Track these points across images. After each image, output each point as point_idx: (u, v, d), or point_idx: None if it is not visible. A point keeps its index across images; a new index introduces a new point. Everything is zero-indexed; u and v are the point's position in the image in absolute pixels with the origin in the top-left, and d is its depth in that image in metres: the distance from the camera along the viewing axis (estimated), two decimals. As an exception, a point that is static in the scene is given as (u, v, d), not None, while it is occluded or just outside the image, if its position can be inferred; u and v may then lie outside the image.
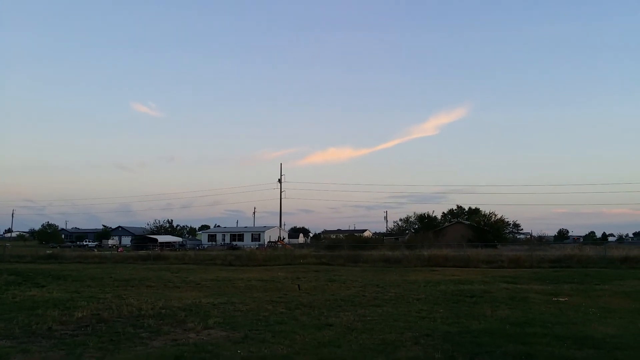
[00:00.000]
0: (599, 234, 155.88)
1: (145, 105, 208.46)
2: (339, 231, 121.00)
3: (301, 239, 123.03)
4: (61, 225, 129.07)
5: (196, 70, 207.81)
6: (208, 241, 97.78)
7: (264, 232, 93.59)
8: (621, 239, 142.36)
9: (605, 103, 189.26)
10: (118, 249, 77.28)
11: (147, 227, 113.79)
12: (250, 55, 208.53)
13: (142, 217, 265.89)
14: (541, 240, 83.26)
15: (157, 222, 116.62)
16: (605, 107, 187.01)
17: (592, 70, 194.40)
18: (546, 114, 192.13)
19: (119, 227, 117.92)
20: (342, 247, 51.10)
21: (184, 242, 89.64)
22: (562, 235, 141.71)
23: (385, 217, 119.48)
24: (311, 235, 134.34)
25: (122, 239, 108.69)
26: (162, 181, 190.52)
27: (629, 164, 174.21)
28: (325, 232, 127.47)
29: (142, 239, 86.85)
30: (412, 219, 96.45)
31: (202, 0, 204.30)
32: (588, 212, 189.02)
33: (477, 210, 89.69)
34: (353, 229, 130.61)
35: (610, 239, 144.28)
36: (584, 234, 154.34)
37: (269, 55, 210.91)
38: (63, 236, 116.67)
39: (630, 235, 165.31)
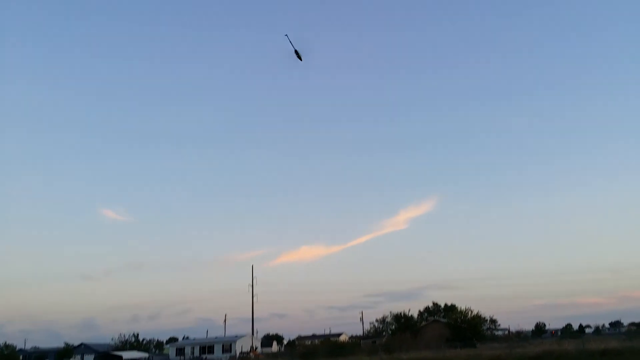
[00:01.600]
0: (575, 325, 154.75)
1: (114, 210, 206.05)
2: (314, 336, 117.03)
3: (275, 347, 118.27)
4: (20, 345, 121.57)
5: (166, 172, 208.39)
6: (176, 356, 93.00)
7: (235, 341, 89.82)
8: (598, 331, 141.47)
9: (574, 194, 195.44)
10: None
11: (112, 342, 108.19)
12: (217, 156, 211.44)
13: (107, 331, 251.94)
14: (519, 336, 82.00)
15: (123, 336, 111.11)
16: (575, 198, 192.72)
17: (561, 160, 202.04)
18: (512, 206, 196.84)
19: (82, 344, 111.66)
20: (318, 354, 49.35)
21: (151, 358, 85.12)
22: (540, 329, 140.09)
23: (361, 319, 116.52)
24: (285, 342, 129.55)
25: (85, 357, 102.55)
26: (129, 290, 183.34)
27: (603, 254, 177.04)
28: (300, 338, 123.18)
29: (106, 356, 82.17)
30: (388, 320, 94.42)
31: (171, 102, 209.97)
32: (564, 303, 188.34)
33: (453, 307, 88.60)
34: (329, 332, 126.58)
35: (587, 330, 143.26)
36: (561, 327, 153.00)
37: (235, 157, 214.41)
38: (21, 357, 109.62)
39: (607, 325, 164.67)
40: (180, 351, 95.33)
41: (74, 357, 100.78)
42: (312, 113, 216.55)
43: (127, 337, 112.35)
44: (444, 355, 37.20)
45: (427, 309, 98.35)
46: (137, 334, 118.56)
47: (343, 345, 68.71)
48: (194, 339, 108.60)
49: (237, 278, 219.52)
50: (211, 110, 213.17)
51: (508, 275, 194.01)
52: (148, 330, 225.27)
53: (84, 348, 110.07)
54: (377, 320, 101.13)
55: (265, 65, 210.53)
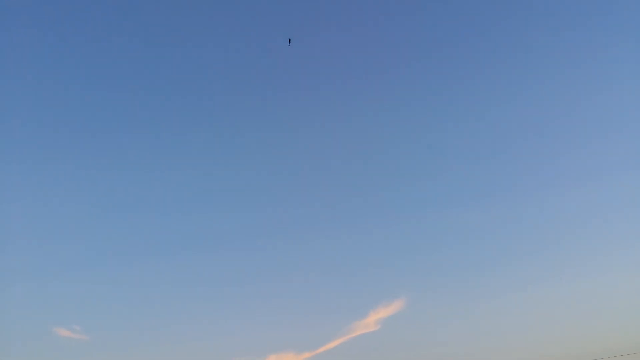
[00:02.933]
0: None
1: (69, 329, 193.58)
2: None
3: None
4: None
5: (120, 287, 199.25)
6: None
7: None
8: None
9: (546, 289, 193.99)
10: None
11: None
12: (174, 266, 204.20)
13: None
14: None
15: None
16: (548, 293, 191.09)
17: (530, 257, 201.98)
18: (485, 301, 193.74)
19: None
20: None
21: None
22: None
23: None
24: None
25: None
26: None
27: (570, 340, 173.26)
28: None
29: None
30: None
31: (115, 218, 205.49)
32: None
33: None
34: None
35: None
36: None
37: (195, 264, 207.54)
38: None
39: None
40: None
41: None
42: (274, 225, 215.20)
43: None
44: None
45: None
46: None
47: None
48: None
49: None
50: (161, 221, 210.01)
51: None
52: None
53: None
54: None
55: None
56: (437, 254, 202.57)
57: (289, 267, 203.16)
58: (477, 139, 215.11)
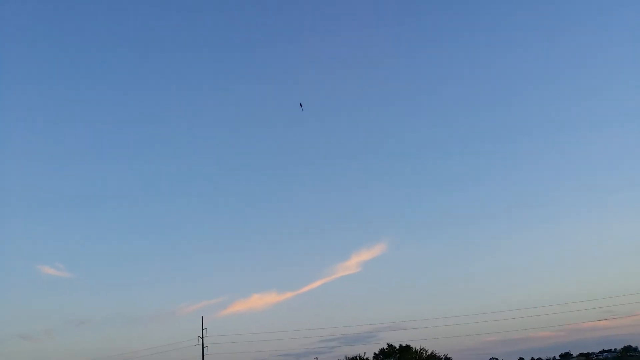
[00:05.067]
0: (527, 359, 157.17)
1: (53, 267, 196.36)
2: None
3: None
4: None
5: (105, 227, 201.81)
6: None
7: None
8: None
9: (522, 233, 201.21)
10: None
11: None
12: (158, 202, 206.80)
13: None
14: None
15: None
16: (523, 236, 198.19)
17: (508, 201, 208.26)
18: (461, 246, 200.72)
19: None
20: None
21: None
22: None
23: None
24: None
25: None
26: (71, 348, 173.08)
27: (546, 288, 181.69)
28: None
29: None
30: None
31: (103, 161, 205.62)
32: (515, 338, 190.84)
33: (408, 348, 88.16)
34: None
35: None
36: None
37: (181, 206, 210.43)
38: None
39: (557, 357, 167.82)
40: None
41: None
42: (258, 160, 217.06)
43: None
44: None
45: (382, 350, 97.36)
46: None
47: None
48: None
49: (186, 330, 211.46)
50: (149, 163, 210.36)
51: (459, 313, 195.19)
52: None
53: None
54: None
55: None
56: (420, 199, 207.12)
57: (273, 209, 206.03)
58: (467, 85, 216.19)
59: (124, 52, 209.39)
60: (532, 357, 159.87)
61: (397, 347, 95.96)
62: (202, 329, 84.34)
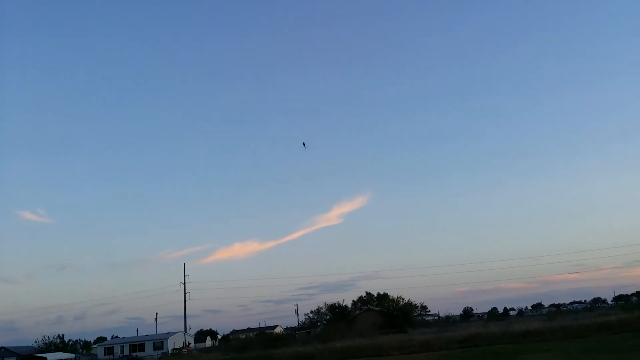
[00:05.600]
0: (500, 309, 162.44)
1: (33, 212, 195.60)
2: (248, 330, 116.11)
3: (208, 342, 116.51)
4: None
5: (87, 173, 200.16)
6: (105, 355, 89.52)
7: (167, 339, 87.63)
8: (521, 313, 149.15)
9: (496, 187, 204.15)
10: (0, 374, 68.63)
11: (35, 345, 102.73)
12: (142, 153, 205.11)
13: (30, 334, 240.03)
14: (448, 320, 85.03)
15: (47, 338, 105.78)
16: (496, 191, 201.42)
17: (482, 157, 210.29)
18: (440, 199, 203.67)
19: (2, 348, 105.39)
20: (252, 347, 48.95)
21: (78, 359, 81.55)
22: (467, 313, 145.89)
23: (296, 311, 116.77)
24: (219, 337, 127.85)
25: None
26: (52, 292, 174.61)
27: (519, 241, 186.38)
28: (234, 332, 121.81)
29: (29, 358, 77.95)
30: (323, 310, 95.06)
31: (88, 106, 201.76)
32: (488, 289, 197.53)
33: (385, 296, 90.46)
34: (264, 326, 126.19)
35: (511, 313, 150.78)
36: (487, 311, 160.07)
37: (163, 152, 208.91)
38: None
39: (529, 308, 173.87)
40: (109, 350, 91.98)
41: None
42: (241, 110, 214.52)
43: (51, 338, 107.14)
44: (377, 342, 37.82)
45: (360, 298, 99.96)
46: (63, 336, 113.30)
47: (277, 337, 68.70)
48: (123, 338, 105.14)
49: (168, 277, 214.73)
50: (135, 109, 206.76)
51: (436, 264, 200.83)
52: (74, 332, 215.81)
53: (4, 352, 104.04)
54: (311, 312, 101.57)
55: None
56: (402, 152, 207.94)
57: (256, 160, 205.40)
58: (451, 37, 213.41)
59: None
60: (505, 307, 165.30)
61: (375, 295, 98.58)
62: (184, 276, 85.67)
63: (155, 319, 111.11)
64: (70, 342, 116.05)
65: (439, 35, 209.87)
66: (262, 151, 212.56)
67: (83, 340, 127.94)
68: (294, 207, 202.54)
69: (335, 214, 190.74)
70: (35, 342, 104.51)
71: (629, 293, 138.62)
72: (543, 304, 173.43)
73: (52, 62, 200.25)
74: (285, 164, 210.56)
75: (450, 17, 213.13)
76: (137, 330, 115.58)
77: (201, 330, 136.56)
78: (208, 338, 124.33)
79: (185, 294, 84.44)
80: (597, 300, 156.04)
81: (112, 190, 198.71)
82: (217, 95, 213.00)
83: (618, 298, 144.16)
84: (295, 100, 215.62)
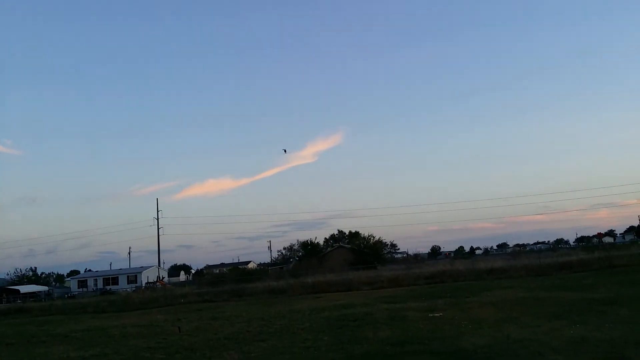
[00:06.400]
0: (467, 248, 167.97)
1: (0, 143, 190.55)
2: (222, 265, 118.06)
3: (182, 277, 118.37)
4: None
5: (57, 103, 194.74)
6: (78, 288, 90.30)
7: (140, 273, 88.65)
8: (487, 252, 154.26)
9: (468, 129, 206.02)
10: (-29, 304, 68.78)
11: (7, 277, 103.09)
12: (114, 82, 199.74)
13: (1, 267, 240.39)
14: (417, 258, 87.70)
15: (19, 271, 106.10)
16: (469, 133, 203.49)
17: (455, 98, 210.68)
18: (413, 138, 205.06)
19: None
20: (226, 281, 49.89)
21: (51, 291, 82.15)
22: (435, 252, 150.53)
23: (269, 247, 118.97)
24: (193, 272, 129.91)
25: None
26: (23, 225, 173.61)
27: (488, 183, 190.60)
28: (208, 267, 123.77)
29: (1, 291, 78.26)
30: (295, 247, 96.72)
31: (60, 29, 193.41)
32: (456, 229, 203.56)
33: (357, 234, 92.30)
34: (237, 261, 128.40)
35: (477, 252, 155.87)
36: (454, 249, 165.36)
37: (135, 84, 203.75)
38: None
39: (495, 247, 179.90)
40: (82, 283, 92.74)
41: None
42: (218, 43, 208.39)
43: (24, 271, 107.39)
44: (347, 278, 38.95)
45: (332, 236, 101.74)
46: (35, 268, 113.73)
47: (251, 272, 70.12)
48: (96, 271, 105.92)
49: (141, 212, 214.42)
50: (103, 30, 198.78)
51: (407, 203, 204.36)
52: (47, 265, 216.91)
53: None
54: (284, 249, 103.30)
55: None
56: (378, 89, 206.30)
57: (231, 94, 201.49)
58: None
59: None
60: (472, 246, 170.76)
61: (347, 233, 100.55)
62: (157, 211, 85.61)
63: (129, 253, 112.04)
64: (43, 275, 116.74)
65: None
66: (236, 87, 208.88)
67: (56, 273, 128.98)
68: (268, 144, 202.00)
69: (309, 152, 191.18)
70: (7, 274, 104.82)
71: (591, 235, 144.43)
72: (508, 244, 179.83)
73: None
74: (260, 101, 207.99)
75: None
76: (110, 264, 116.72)
77: (175, 265, 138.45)
78: (182, 273, 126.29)
79: (158, 229, 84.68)
80: (559, 242, 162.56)
81: (83, 122, 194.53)
82: (191, 28, 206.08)
83: (580, 240, 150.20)
84: (271, 34, 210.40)
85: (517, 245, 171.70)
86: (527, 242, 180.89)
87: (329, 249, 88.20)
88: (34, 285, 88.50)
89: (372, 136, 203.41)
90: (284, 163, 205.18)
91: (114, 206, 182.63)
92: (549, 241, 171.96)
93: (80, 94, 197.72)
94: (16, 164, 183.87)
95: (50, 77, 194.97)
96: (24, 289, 79.74)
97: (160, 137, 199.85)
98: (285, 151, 44.88)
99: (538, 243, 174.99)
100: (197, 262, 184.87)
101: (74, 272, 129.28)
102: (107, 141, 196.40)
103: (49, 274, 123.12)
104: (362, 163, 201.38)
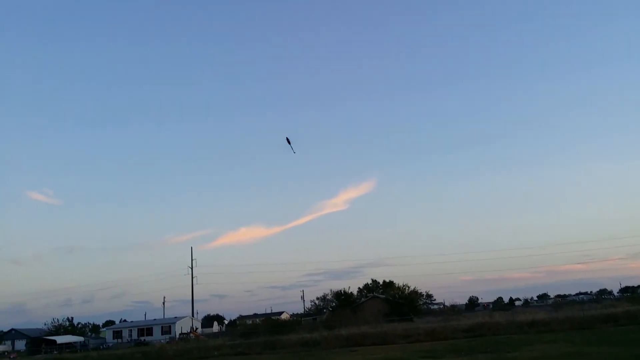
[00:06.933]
0: (506, 299, 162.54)
1: (41, 193, 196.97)
2: (255, 315, 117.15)
3: (216, 327, 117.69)
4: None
5: (95, 154, 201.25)
6: (113, 338, 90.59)
7: (174, 323, 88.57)
8: (527, 303, 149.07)
9: (500, 175, 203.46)
10: (11, 355, 69.75)
11: (45, 327, 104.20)
12: (149, 135, 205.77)
13: (39, 317, 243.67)
14: (454, 309, 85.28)
15: (56, 321, 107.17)
16: (502, 179, 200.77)
17: (487, 144, 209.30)
18: (446, 186, 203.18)
19: (12, 329, 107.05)
20: (259, 333, 49.37)
21: (86, 342, 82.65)
22: (473, 302, 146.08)
23: (302, 297, 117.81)
24: (226, 322, 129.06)
25: (16, 342, 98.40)
26: (61, 275, 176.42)
27: (524, 231, 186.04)
28: (241, 317, 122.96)
29: (39, 341, 79.19)
30: (329, 297, 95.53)
31: (98, 83, 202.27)
32: (493, 278, 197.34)
33: (391, 283, 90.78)
34: (270, 312, 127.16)
35: (517, 303, 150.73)
36: (492, 300, 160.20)
37: (168, 135, 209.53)
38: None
39: (535, 298, 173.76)
40: (117, 334, 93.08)
41: (4, 343, 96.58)
42: (250, 94, 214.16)
43: (60, 321, 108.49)
44: (382, 330, 38.05)
45: (366, 285, 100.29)
46: (72, 318, 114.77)
47: (284, 323, 69.27)
48: (131, 322, 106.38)
49: (174, 260, 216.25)
50: (143, 90, 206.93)
51: (442, 252, 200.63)
52: (83, 315, 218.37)
53: (14, 333, 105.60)
54: (317, 299, 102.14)
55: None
56: (410, 135, 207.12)
57: (263, 144, 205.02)
58: (458, 20, 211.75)
59: None
60: (511, 297, 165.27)
61: (381, 282, 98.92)
62: (192, 260, 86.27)
63: (163, 303, 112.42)
64: (79, 325, 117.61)
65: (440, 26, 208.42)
66: (268, 136, 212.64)
67: (92, 323, 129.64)
68: (301, 192, 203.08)
69: (341, 200, 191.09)
70: (45, 324, 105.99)
71: (635, 285, 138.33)
72: (549, 294, 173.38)
73: (63, 41, 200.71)
74: (289, 151, 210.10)
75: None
76: (145, 314, 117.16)
77: (208, 315, 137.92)
78: (215, 323, 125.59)
79: (192, 278, 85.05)
80: (603, 292, 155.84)
81: (119, 172, 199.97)
82: (233, 81, 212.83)
83: (624, 290, 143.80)
84: (299, 88, 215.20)
85: (559, 296, 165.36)
86: (569, 292, 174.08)
87: (362, 299, 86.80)
88: (71, 336, 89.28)
89: (403, 182, 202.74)
90: (317, 211, 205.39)
91: (149, 255, 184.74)
92: (591, 291, 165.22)
93: (115, 146, 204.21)
94: (56, 213, 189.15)
95: (88, 129, 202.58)
96: (60, 339, 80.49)
97: (193, 186, 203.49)
98: (288, 141, 42.57)
99: (580, 293, 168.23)
100: (230, 311, 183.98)
101: (109, 322, 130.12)
102: (140, 190, 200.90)
103: (85, 324, 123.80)
104: (395, 210, 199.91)
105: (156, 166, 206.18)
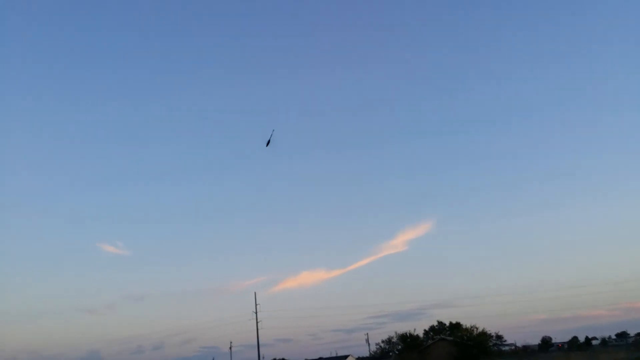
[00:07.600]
0: (581, 338, 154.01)
1: (112, 245, 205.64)
2: (320, 359, 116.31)
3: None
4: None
5: (161, 206, 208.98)
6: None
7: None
8: (605, 342, 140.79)
9: (571, 207, 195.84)
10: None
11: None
12: (209, 184, 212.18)
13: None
14: (526, 350, 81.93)
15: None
16: (573, 212, 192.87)
17: (556, 176, 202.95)
18: (512, 222, 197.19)
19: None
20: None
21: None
22: (546, 343, 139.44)
23: (367, 340, 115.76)
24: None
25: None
26: (132, 322, 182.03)
27: (600, 266, 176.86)
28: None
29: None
30: (394, 340, 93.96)
31: (164, 136, 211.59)
32: (566, 317, 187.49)
33: (458, 325, 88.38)
34: (335, 355, 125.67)
35: (593, 342, 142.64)
36: (566, 340, 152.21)
37: (229, 183, 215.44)
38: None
39: (613, 336, 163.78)
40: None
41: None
42: (309, 141, 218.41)
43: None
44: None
45: (432, 327, 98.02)
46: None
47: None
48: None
49: (239, 306, 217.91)
50: (205, 143, 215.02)
51: (510, 291, 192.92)
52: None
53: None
54: (383, 341, 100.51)
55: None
56: (466, 176, 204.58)
57: (321, 189, 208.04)
58: (506, 61, 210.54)
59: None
60: (587, 336, 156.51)
61: (448, 324, 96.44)
62: (256, 305, 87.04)
63: (230, 347, 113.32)
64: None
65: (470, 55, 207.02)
66: (324, 180, 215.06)
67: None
68: (360, 234, 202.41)
69: (400, 241, 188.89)
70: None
71: None
72: (628, 332, 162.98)
73: (126, 98, 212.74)
74: (347, 192, 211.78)
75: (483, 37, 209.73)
76: (212, 359, 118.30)
77: (274, 359, 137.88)
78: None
79: (257, 323, 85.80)
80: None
81: (184, 222, 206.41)
82: (286, 124, 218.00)
83: None
84: (353, 130, 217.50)
85: (639, 334, 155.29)
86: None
87: (429, 341, 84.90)
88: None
89: (463, 221, 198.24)
90: (376, 253, 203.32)
91: (214, 300, 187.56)
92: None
93: (181, 199, 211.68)
94: (126, 264, 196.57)
95: (154, 184, 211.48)
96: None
97: (254, 232, 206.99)
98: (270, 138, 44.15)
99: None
100: (296, 355, 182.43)
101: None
102: (205, 238, 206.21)
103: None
104: (455, 249, 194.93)
105: (220, 214, 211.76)
